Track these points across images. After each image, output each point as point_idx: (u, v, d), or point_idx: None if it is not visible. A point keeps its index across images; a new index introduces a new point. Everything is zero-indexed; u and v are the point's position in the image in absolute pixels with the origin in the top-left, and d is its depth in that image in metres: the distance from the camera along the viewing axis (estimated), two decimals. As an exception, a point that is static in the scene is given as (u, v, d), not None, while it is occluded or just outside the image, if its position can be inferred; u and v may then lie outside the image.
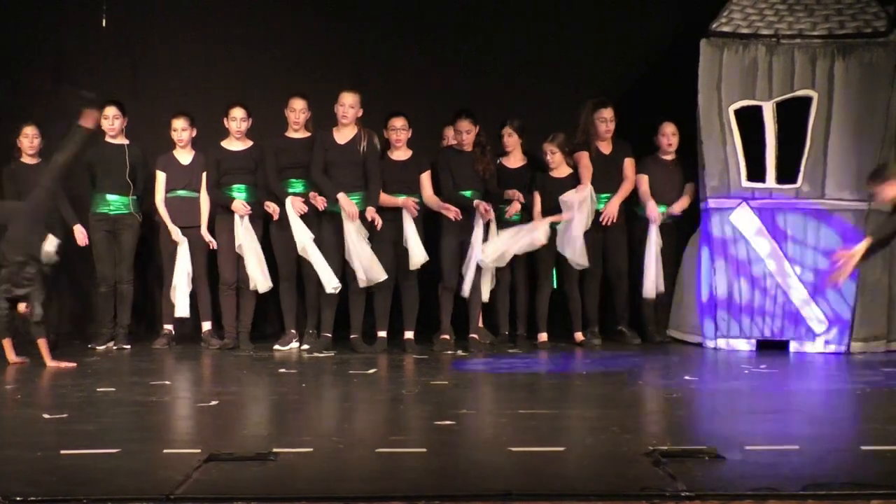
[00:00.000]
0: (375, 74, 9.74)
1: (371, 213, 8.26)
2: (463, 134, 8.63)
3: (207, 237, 8.70)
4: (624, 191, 8.99)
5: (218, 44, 9.81)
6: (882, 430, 5.34)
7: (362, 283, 8.31)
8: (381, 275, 8.30)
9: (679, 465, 4.44)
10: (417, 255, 8.36)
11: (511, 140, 8.89)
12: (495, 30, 9.88)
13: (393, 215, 8.44)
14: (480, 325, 8.95)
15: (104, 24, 9.50)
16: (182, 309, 8.67)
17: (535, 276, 8.99)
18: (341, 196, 8.25)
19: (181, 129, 8.78)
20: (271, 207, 8.48)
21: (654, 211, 8.95)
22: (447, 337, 8.62)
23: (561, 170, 8.87)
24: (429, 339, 8.75)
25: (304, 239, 8.29)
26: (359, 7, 9.89)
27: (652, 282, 8.88)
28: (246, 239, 8.53)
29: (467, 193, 8.60)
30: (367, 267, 8.25)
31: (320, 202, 8.33)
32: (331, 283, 8.29)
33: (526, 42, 9.87)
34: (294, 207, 8.34)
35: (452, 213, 8.41)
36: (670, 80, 9.33)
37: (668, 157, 9.23)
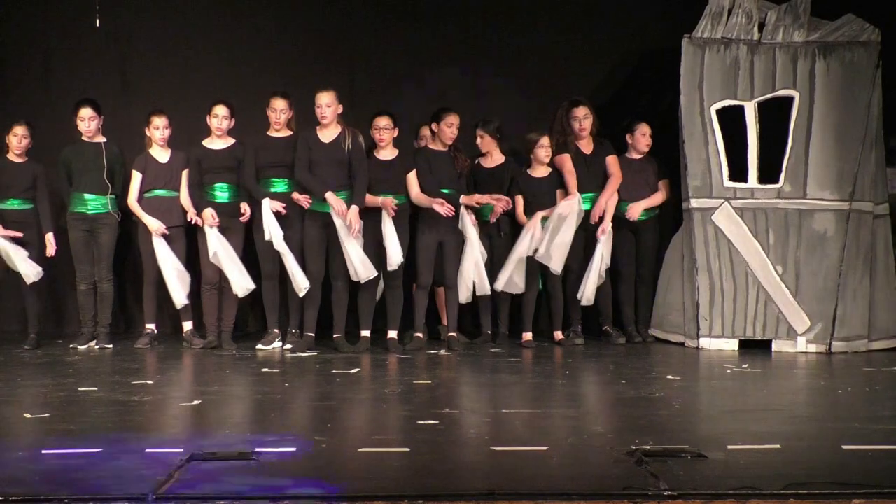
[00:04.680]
0: (362, 73, 9.73)
1: (354, 212, 8.25)
2: (454, 128, 8.64)
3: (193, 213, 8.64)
4: (612, 188, 8.99)
5: (204, 43, 9.76)
6: (863, 429, 5.37)
7: (354, 278, 8.34)
8: (372, 271, 8.34)
9: (661, 464, 4.45)
10: (395, 255, 8.36)
11: (484, 141, 8.89)
12: (479, 30, 9.87)
13: (376, 215, 8.43)
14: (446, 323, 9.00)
15: (98, 23, 9.45)
16: (180, 296, 8.63)
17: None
18: (329, 195, 8.24)
19: (163, 127, 8.73)
20: (243, 207, 8.49)
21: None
22: (420, 335, 8.64)
23: (540, 169, 8.88)
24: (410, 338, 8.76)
25: (275, 238, 8.31)
26: (345, 6, 9.87)
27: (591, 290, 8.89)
28: (219, 247, 8.49)
29: (445, 192, 8.61)
30: (362, 261, 8.28)
31: (304, 200, 8.33)
32: (302, 284, 8.34)
33: (508, 43, 9.86)
34: (270, 207, 8.33)
35: (445, 208, 8.40)
36: (646, 82, 9.42)
37: (637, 157, 9.26)
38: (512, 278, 8.67)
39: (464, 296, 8.65)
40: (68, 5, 9.74)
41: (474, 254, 8.58)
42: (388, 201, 8.37)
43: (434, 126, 8.69)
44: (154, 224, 8.61)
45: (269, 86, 8.93)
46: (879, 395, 6.67)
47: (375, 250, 8.46)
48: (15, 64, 9.74)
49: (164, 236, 8.62)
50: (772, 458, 4.67)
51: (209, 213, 8.50)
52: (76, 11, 9.64)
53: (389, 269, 8.40)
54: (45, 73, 9.78)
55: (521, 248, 8.63)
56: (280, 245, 8.32)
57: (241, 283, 8.54)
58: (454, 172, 8.68)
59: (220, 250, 8.48)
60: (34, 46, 9.76)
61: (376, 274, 8.40)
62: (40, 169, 8.74)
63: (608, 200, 8.91)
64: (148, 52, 9.76)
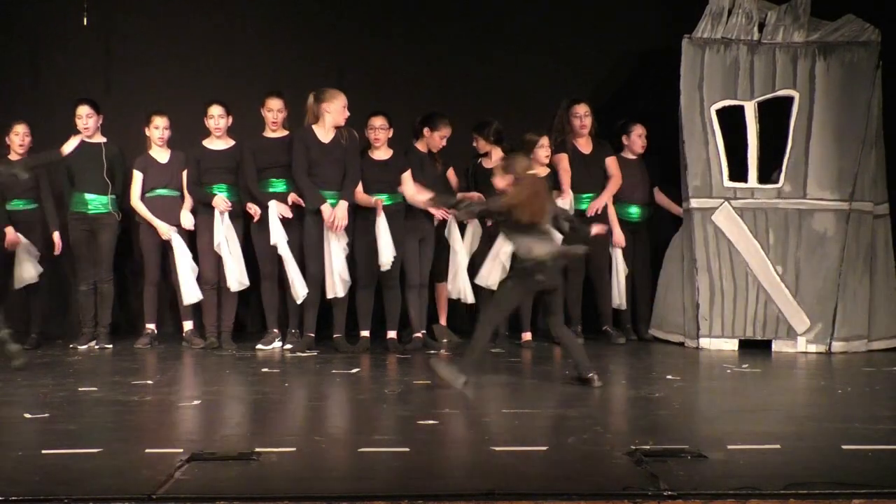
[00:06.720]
0: (357, 73, 9.72)
1: (341, 208, 8.24)
2: (444, 140, 8.75)
3: (188, 223, 8.69)
4: (610, 190, 9.02)
5: (196, 42, 9.75)
6: (863, 429, 5.36)
7: (330, 294, 8.34)
8: (340, 291, 8.33)
9: (661, 464, 4.45)
10: (386, 254, 8.34)
11: (479, 145, 8.94)
12: (477, 30, 9.87)
13: (369, 215, 8.42)
14: (443, 323, 9.04)
15: (86, 22, 9.43)
16: (192, 295, 8.63)
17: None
18: (325, 207, 8.24)
19: (164, 128, 8.74)
20: (252, 209, 8.45)
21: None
22: (420, 336, 8.66)
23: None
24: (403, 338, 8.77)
25: (280, 243, 8.31)
26: (339, 5, 9.87)
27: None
28: (226, 237, 8.49)
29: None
30: (340, 274, 8.29)
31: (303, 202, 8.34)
32: (300, 291, 8.34)
33: (507, 43, 9.87)
34: (277, 211, 8.34)
35: (440, 212, 8.45)
36: (646, 82, 9.42)
37: (632, 157, 9.29)
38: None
39: (455, 295, 8.69)
40: (56, 4, 9.71)
41: (456, 259, 8.58)
42: (379, 201, 8.37)
43: (427, 131, 8.69)
44: (164, 227, 8.62)
45: (259, 86, 8.93)
46: (879, 395, 6.67)
47: (367, 250, 8.47)
48: (2, 63, 9.72)
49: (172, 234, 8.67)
50: (772, 458, 4.67)
51: (221, 198, 8.50)
52: (64, 10, 9.61)
53: (382, 268, 8.39)
54: (33, 72, 9.75)
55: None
56: (284, 250, 8.32)
57: (238, 277, 8.54)
58: (436, 174, 8.74)
59: (225, 241, 8.48)
60: (22, 45, 9.73)
61: (342, 295, 8.37)
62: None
63: (607, 202, 8.98)
64: (136, 52, 9.72)
